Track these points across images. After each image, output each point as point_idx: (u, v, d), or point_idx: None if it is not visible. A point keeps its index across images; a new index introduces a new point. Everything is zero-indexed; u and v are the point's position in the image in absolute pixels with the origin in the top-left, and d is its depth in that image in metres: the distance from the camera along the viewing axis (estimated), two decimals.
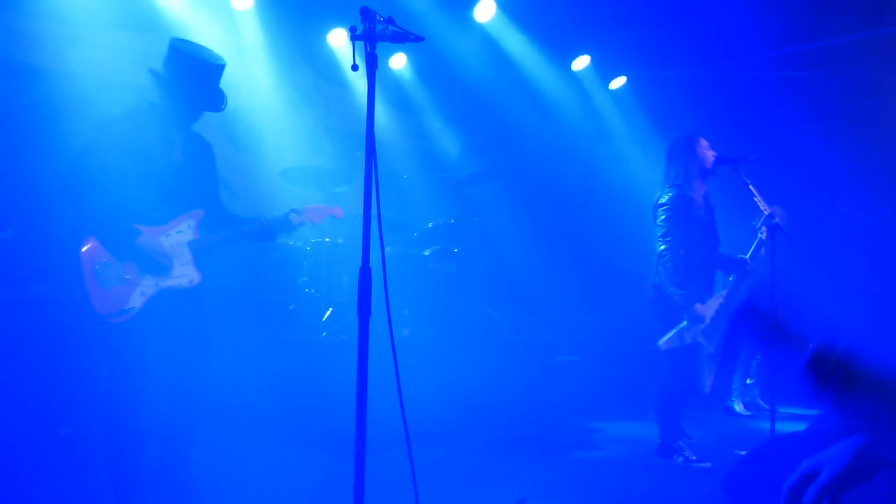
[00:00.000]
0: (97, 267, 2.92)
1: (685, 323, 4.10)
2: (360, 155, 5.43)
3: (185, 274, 3.08)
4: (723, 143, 4.60)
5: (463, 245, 5.91)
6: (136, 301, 2.96)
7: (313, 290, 5.42)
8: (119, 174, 2.90)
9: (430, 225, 5.92)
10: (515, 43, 6.93)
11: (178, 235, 3.08)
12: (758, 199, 4.12)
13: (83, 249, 2.93)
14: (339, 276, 5.37)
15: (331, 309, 5.26)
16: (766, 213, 4.15)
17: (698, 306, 4.08)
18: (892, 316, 6.64)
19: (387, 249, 5.56)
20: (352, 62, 2.24)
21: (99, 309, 2.90)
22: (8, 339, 4.16)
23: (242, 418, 4.90)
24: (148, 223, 3.01)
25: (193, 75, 3.04)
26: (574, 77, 7.62)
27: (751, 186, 4.13)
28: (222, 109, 3.16)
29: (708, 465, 4.17)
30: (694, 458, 4.21)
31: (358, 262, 2.16)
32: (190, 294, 3.12)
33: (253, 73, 6.19)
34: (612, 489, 3.91)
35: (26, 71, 4.97)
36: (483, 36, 6.79)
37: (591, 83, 7.77)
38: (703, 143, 4.32)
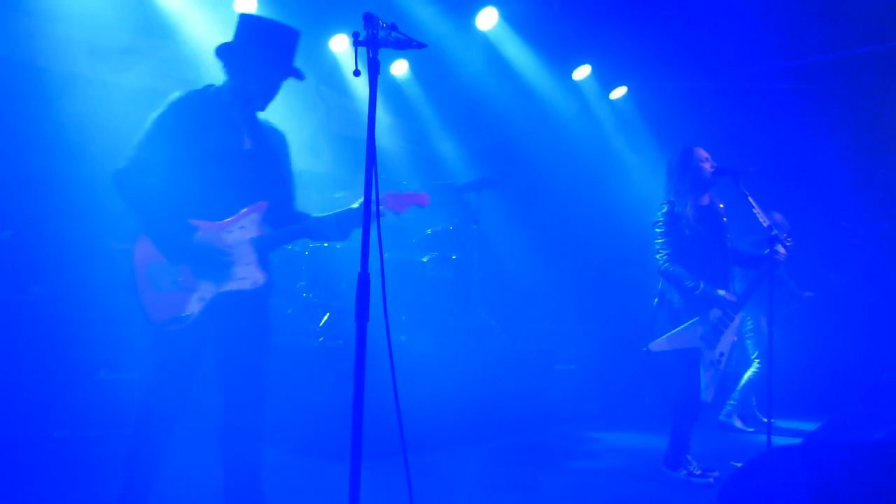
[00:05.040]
0: (150, 269, 2.66)
1: (688, 324, 4.09)
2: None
3: (247, 275, 2.76)
4: (723, 154, 4.60)
5: (461, 252, 5.90)
6: (194, 307, 2.68)
7: (311, 295, 5.41)
8: (183, 163, 2.68)
9: (429, 231, 5.92)
10: (517, 51, 6.94)
11: (240, 231, 2.76)
12: (757, 211, 4.11)
13: (135, 250, 2.68)
14: (337, 281, 5.36)
15: (328, 314, 5.25)
16: (765, 225, 4.15)
17: (722, 291, 4.10)
18: (890, 328, 6.64)
19: (385, 255, 5.54)
20: (354, 68, 2.24)
21: (153, 316, 2.64)
22: (3, 340, 4.14)
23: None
24: (209, 218, 2.71)
25: (273, 42, 2.79)
26: (575, 86, 7.63)
27: (750, 199, 4.13)
28: (303, 78, 2.87)
29: (710, 480, 4.15)
30: (698, 472, 4.19)
31: (356, 267, 2.16)
32: (252, 297, 2.81)
33: None
34: (609, 500, 3.89)
35: (25, 71, 4.97)
36: (485, 44, 6.81)
37: (591, 93, 7.78)
38: (701, 154, 4.29)
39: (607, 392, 6.65)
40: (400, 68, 7.18)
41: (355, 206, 2.79)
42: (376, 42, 2.20)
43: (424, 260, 5.52)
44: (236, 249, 2.74)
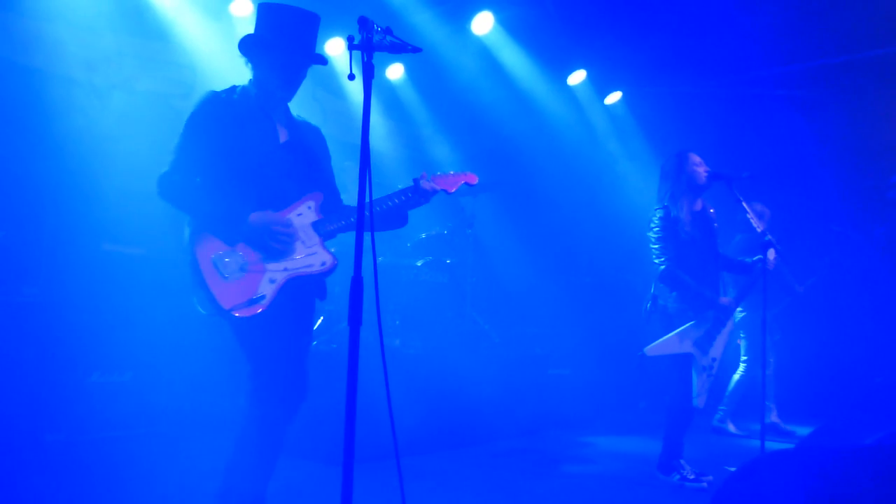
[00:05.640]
0: (215, 259, 2.62)
1: (681, 329, 4.10)
2: (349, 164, 5.37)
3: (315, 254, 2.76)
4: (717, 159, 4.61)
5: (456, 256, 5.91)
6: (266, 289, 2.63)
7: None
8: (224, 158, 2.70)
9: (423, 236, 5.92)
10: (512, 56, 6.95)
11: (299, 218, 2.77)
12: (751, 216, 4.13)
13: (195, 248, 2.63)
14: (331, 285, 5.34)
15: (322, 317, 5.25)
16: (758, 230, 4.16)
17: (723, 298, 4.15)
18: (882, 332, 6.66)
19: (379, 259, 5.54)
20: (349, 72, 2.25)
21: (225, 303, 2.57)
22: None
23: (232, 424, 4.86)
24: (263, 210, 2.72)
25: (293, 27, 2.78)
26: (570, 91, 7.65)
27: (744, 204, 4.15)
28: (326, 62, 2.91)
29: (704, 484, 4.15)
30: (691, 477, 4.19)
31: (350, 271, 2.16)
32: (313, 290, 2.86)
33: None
34: None
35: (20, 72, 4.96)
36: (480, 48, 6.82)
37: (586, 98, 7.80)
38: (695, 159, 4.31)
39: (601, 397, 6.65)
40: (395, 72, 7.19)
41: (405, 187, 2.88)
42: (371, 46, 2.21)
43: (419, 264, 5.52)
44: (300, 232, 2.75)
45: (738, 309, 5.96)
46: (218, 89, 2.86)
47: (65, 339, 4.31)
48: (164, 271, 4.86)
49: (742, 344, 6.11)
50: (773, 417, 6.14)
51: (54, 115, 4.78)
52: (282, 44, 2.77)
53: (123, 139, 4.98)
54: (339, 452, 2.09)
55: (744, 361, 6.09)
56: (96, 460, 4.11)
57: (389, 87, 7.29)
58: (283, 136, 2.86)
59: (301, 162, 2.87)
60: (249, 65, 2.87)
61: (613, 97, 7.88)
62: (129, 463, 4.11)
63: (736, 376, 6.09)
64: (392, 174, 7.13)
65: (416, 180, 2.91)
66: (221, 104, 2.77)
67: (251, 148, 2.74)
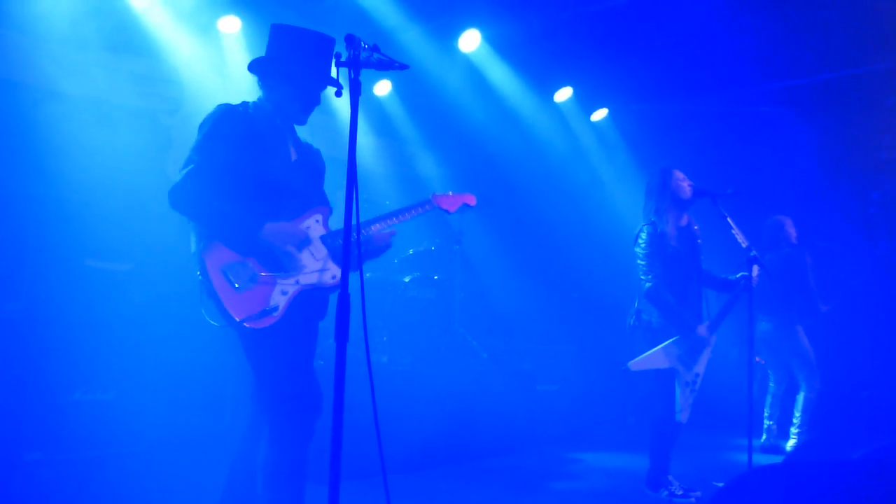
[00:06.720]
0: (225, 269, 2.60)
1: (665, 344, 4.10)
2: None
3: (326, 269, 2.76)
4: (702, 176, 4.65)
5: (443, 272, 5.90)
6: (279, 300, 2.62)
7: None
8: (239, 171, 2.70)
9: (411, 251, 5.92)
10: (499, 73, 7.00)
11: (307, 231, 2.78)
12: (735, 231, 4.15)
13: (205, 258, 2.61)
14: None
15: None
16: (743, 245, 4.19)
17: (700, 328, 4.12)
18: (870, 347, 6.71)
19: (366, 275, 5.53)
20: (336, 88, 2.26)
21: (237, 314, 2.55)
22: None
23: (217, 443, 4.81)
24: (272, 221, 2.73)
25: (309, 52, 2.79)
26: (556, 108, 7.71)
27: (729, 219, 4.17)
28: (341, 86, 2.82)
29: (692, 500, 4.14)
30: (679, 492, 4.18)
31: (336, 286, 2.15)
32: (323, 304, 2.85)
33: (238, 97, 6.18)
34: None
35: (8, 88, 4.93)
36: (467, 65, 6.86)
37: (573, 115, 7.86)
38: (679, 175, 4.35)
39: (589, 412, 6.64)
40: (383, 89, 7.21)
41: (412, 203, 2.99)
42: (358, 63, 2.22)
43: (406, 280, 5.51)
44: (311, 243, 2.75)
45: (768, 326, 5.90)
46: (216, 103, 2.87)
47: (47, 356, 4.25)
48: (148, 288, 4.82)
49: (795, 362, 5.83)
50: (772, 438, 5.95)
51: (38, 130, 4.75)
52: (298, 69, 2.79)
53: (109, 154, 4.95)
54: (326, 470, 2.07)
55: (804, 380, 5.78)
56: (78, 480, 4.04)
57: (377, 104, 7.31)
58: (293, 156, 2.90)
59: (308, 180, 2.92)
60: (260, 84, 2.89)
61: (599, 114, 7.94)
62: (112, 483, 4.05)
63: (800, 398, 5.79)
64: (379, 190, 7.14)
65: (433, 195, 3.06)
66: (239, 118, 2.78)
67: (268, 164, 2.76)
